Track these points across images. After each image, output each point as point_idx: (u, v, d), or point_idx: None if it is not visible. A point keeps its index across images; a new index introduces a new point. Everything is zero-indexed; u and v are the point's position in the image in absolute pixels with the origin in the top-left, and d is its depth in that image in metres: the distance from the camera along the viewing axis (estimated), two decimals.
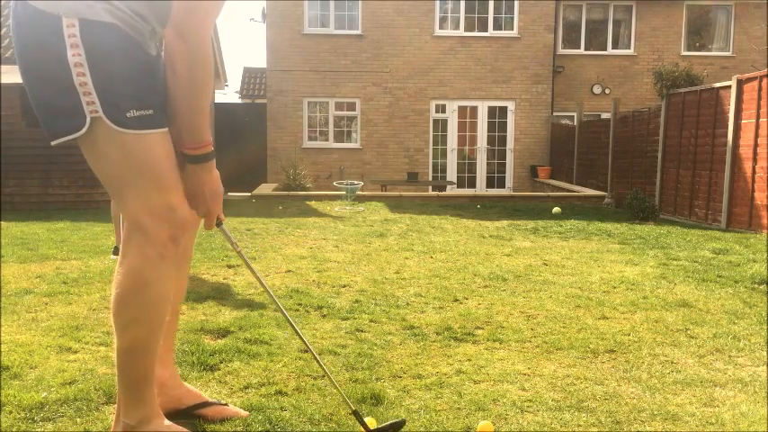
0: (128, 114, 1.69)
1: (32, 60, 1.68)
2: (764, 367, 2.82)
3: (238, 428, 2.07)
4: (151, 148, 1.73)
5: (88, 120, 1.67)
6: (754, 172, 8.17)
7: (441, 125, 16.37)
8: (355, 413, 2.02)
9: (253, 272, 2.09)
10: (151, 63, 1.78)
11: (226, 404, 2.20)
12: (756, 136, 8.14)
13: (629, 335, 3.27)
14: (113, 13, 1.67)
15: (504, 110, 16.37)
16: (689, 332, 3.35)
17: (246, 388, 2.44)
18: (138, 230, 1.76)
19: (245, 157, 15.62)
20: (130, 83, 1.70)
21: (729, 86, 8.76)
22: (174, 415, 2.11)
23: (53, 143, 1.74)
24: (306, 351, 2.91)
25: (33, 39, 1.66)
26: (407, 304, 3.87)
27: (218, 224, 1.90)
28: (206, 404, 2.15)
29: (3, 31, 12.85)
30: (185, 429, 1.93)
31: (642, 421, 2.24)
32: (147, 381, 1.86)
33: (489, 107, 16.33)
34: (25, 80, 1.72)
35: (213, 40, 14.64)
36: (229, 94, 58.40)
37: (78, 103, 1.65)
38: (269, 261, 5.25)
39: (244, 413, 2.17)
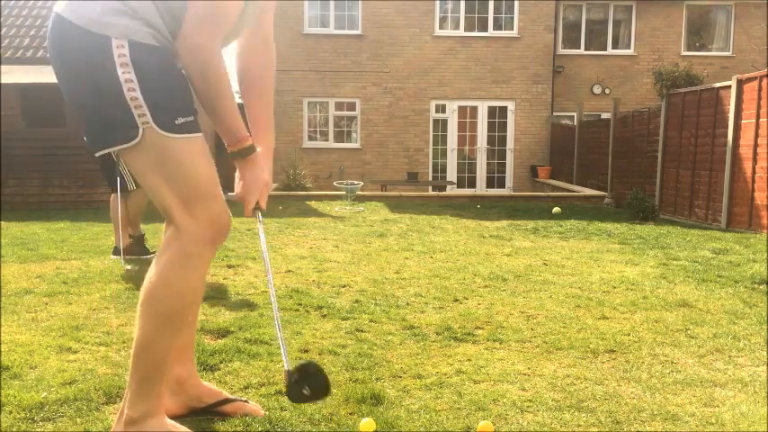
0: (176, 122, 1.83)
1: (84, 78, 1.80)
2: (764, 367, 2.82)
3: (238, 428, 2.07)
4: (195, 152, 1.87)
5: (141, 129, 1.80)
6: (754, 172, 8.17)
7: (441, 125, 16.37)
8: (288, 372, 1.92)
9: (266, 266, 2.23)
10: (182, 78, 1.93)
11: (246, 401, 2.23)
12: (756, 136, 8.14)
13: (629, 335, 3.27)
14: (156, 37, 1.82)
15: (504, 110, 16.37)
16: (689, 332, 3.35)
17: (246, 388, 2.44)
18: (182, 232, 1.86)
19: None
20: (174, 94, 1.85)
21: (729, 86, 8.77)
22: (195, 413, 2.13)
23: (98, 154, 1.91)
24: (306, 351, 2.91)
25: (85, 57, 1.78)
26: (407, 304, 3.87)
27: (258, 210, 2.04)
28: (226, 401, 2.18)
29: (2, 31, 12.83)
30: (186, 429, 1.94)
31: (642, 421, 2.24)
32: (158, 376, 1.90)
33: (489, 107, 16.33)
34: (72, 95, 1.85)
35: None
36: None
37: (131, 115, 1.79)
38: (269, 261, 5.25)
39: (262, 411, 2.19)
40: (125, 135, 1.80)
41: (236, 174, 2.01)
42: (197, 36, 1.80)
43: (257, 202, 2.02)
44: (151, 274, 1.87)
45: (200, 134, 1.89)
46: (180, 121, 1.83)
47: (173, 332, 1.89)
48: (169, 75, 1.85)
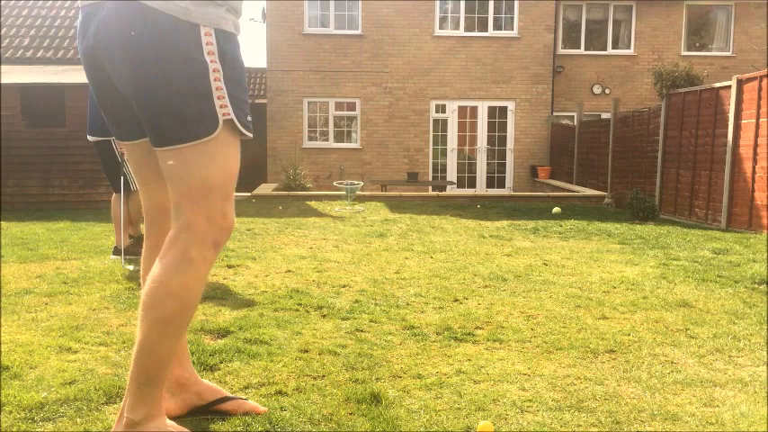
0: (248, 118, 1.83)
1: (165, 67, 1.70)
2: (764, 367, 2.82)
3: (238, 428, 2.07)
4: (239, 151, 1.87)
5: (221, 122, 1.76)
6: (754, 172, 8.17)
7: (441, 125, 16.38)
8: None
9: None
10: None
11: (246, 399, 2.23)
12: (756, 136, 8.14)
13: (629, 335, 3.27)
14: (235, 23, 1.80)
15: (504, 110, 16.37)
16: (689, 332, 3.35)
17: (246, 388, 2.44)
18: (189, 231, 1.81)
19: (245, 157, 15.28)
20: (245, 90, 1.85)
21: (729, 86, 8.76)
22: (196, 411, 2.13)
23: (163, 149, 1.77)
24: (306, 351, 2.91)
25: (167, 46, 1.70)
26: (407, 304, 3.87)
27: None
28: (226, 399, 2.18)
29: (2, 32, 12.83)
30: (186, 430, 1.94)
31: (642, 421, 2.24)
32: (158, 378, 1.88)
33: (489, 107, 16.33)
34: (147, 87, 1.72)
35: None
36: None
37: (213, 107, 1.74)
38: (269, 261, 5.25)
39: (263, 409, 2.19)
40: (205, 128, 1.74)
41: None
42: None
43: None
44: (152, 277, 1.82)
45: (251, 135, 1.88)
46: (249, 118, 1.83)
47: (175, 336, 1.86)
48: (242, 68, 1.83)
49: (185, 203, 1.81)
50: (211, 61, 1.72)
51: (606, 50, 16.73)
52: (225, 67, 1.75)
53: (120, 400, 2.22)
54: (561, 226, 7.85)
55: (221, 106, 1.75)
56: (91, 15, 1.79)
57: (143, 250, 2.12)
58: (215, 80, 1.73)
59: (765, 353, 3.01)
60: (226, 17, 1.76)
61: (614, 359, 2.91)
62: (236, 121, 1.78)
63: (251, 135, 1.86)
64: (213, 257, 1.88)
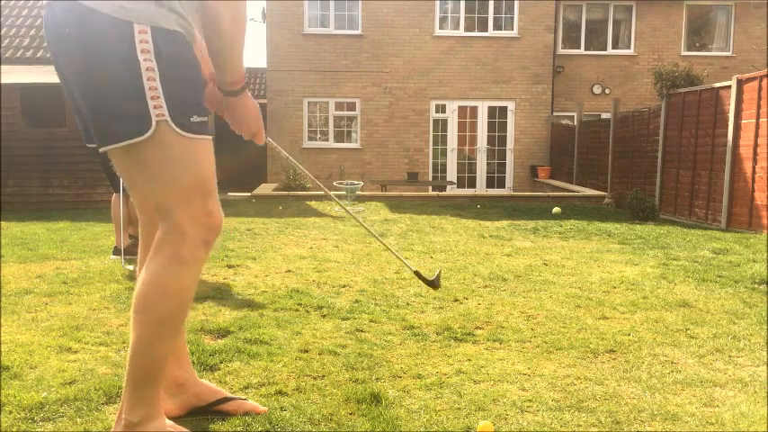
0: (192, 119, 1.76)
1: (99, 66, 1.69)
2: (764, 367, 2.82)
3: (238, 428, 2.07)
4: (204, 154, 1.82)
5: (154, 123, 1.71)
6: (754, 172, 8.17)
7: (441, 125, 16.38)
8: (417, 273, 2.30)
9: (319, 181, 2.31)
10: (200, 69, 1.86)
11: (245, 399, 2.23)
12: (756, 136, 8.14)
13: (629, 335, 3.27)
14: (179, 22, 1.75)
15: (504, 110, 16.37)
16: (689, 332, 3.35)
17: (246, 388, 2.44)
18: (177, 233, 1.80)
19: (245, 157, 15.61)
20: (193, 90, 1.78)
21: (729, 86, 8.77)
22: (195, 412, 2.13)
23: (103, 149, 1.77)
24: (306, 351, 2.91)
25: (101, 44, 1.68)
26: (407, 304, 3.87)
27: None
28: (226, 399, 2.18)
29: (2, 32, 12.83)
30: (186, 430, 1.94)
31: (642, 421, 2.24)
32: (155, 380, 1.87)
33: (489, 107, 16.33)
34: (84, 85, 1.73)
35: None
36: None
37: (145, 107, 1.70)
38: (269, 261, 5.25)
39: (263, 408, 2.19)
40: (137, 128, 1.70)
41: (231, 115, 2.00)
42: None
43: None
44: (143, 279, 1.81)
45: (211, 137, 1.84)
46: (195, 119, 1.77)
47: (170, 336, 1.86)
48: (189, 66, 1.77)
49: (164, 204, 1.81)
50: (145, 60, 1.67)
51: (606, 50, 16.73)
52: (163, 67, 1.69)
53: (121, 399, 2.22)
54: (561, 226, 7.85)
55: (155, 107, 1.70)
56: (45, 17, 1.81)
57: (139, 250, 2.11)
58: (148, 79, 1.68)
59: (765, 353, 3.01)
60: (167, 15, 1.71)
61: (614, 359, 2.91)
62: (170, 121, 1.71)
63: (203, 136, 1.79)
64: (205, 256, 1.86)
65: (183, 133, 1.75)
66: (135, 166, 1.80)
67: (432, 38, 16.01)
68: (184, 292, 1.83)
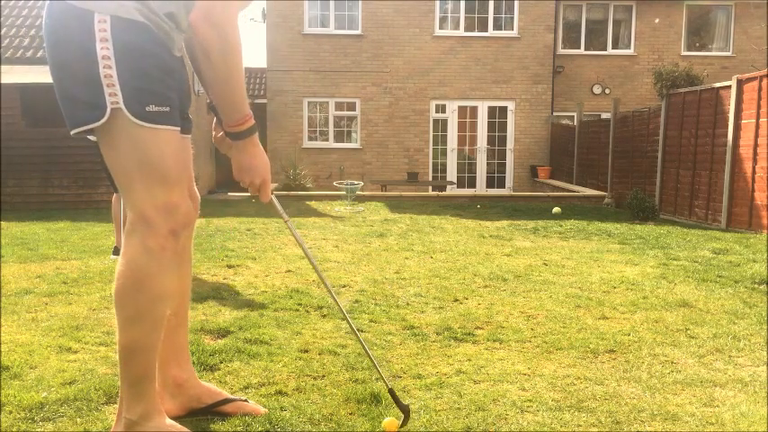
0: (147, 108, 1.76)
1: (61, 53, 1.75)
2: (764, 367, 2.82)
3: (238, 428, 2.07)
4: (163, 144, 1.80)
5: (108, 110, 1.73)
6: (754, 172, 8.17)
7: (441, 125, 16.38)
8: (390, 391, 2.14)
9: (304, 250, 2.23)
10: (174, 64, 1.85)
11: (246, 400, 2.23)
12: (756, 136, 8.14)
13: (629, 335, 3.27)
14: (144, 13, 1.75)
15: (504, 110, 16.37)
16: (689, 332, 3.35)
17: (246, 388, 2.44)
18: (142, 222, 1.81)
19: None
20: (153, 80, 1.77)
21: (729, 86, 8.76)
22: (195, 413, 2.13)
23: (72, 133, 1.81)
24: (306, 351, 2.91)
25: (63, 32, 1.74)
26: (407, 304, 3.87)
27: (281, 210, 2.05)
28: (226, 401, 2.18)
29: (2, 32, 12.83)
30: (185, 429, 1.94)
31: (642, 421, 2.23)
32: (148, 376, 1.87)
33: (489, 107, 16.33)
34: (53, 73, 1.80)
35: None
36: None
37: (101, 94, 1.73)
38: (269, 261, 5.25)
39: (263, 410, 2.19)
40: (92, 115, 1.74)
41: (235, 161, 1.93)
42: (221, 10, 1.75)
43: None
44: (118, 272, 1.82)
45: (172, 128, 1.82)
46: (152, 108, 1.76)
47: (151, 329, 1.84)
48: (152, 57, 1.77)
49: (127, 192, 1.83)
50: (102, 48, 1.70)
51: (606, 50, 16.73)
52: (121, 56, 1.71)
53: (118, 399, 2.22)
54: (561, 226, 7.85)
55: (110, 94, 1.72)
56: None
57: None
58: (105, 67, 1.70)
59: (765, 353, 3.01)
60: (125, 4, 1.72)
61: (614, 359, 2.91)
62: (124, 110, 1.73)
63: (165, 126, 1.79)
64: (174, 245, 1.84)
65: (138, 122, 1.75)
66: (106, 155, 1.84)
67: (432, 38, 16.00)
68: (157, 283, 1.81)
